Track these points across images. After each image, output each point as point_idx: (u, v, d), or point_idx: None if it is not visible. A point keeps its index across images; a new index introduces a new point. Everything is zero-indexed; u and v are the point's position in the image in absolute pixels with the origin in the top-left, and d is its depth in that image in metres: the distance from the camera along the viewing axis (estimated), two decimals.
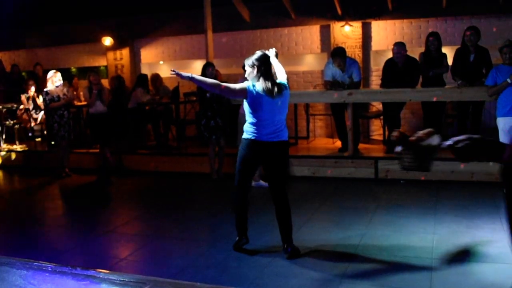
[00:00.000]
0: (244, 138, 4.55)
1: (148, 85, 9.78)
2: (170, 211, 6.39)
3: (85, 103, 9.40)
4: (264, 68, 4.46)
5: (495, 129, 6.48)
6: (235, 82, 5.25)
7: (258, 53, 4.54)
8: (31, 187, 8.51)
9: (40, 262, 1.48)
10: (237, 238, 4.79)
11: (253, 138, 4.48)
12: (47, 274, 1.54)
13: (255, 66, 4.46)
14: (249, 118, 4.52)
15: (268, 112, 4.44)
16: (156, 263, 4.61)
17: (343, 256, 4.54)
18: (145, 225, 5.91)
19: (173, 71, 4.41)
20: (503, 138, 6.37)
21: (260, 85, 4.42)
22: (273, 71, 4.63)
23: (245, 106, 4.52)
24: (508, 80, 6.22)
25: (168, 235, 5.40)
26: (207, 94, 7.53)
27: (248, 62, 4.53)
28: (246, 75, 4.60)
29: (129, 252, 5.02)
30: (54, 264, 1.42)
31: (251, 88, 4.43)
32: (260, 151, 4.51)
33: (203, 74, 7.71)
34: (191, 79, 4.47)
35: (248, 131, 4.53)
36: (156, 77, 10.04)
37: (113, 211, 6.63)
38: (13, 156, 10.09)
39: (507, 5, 8.56)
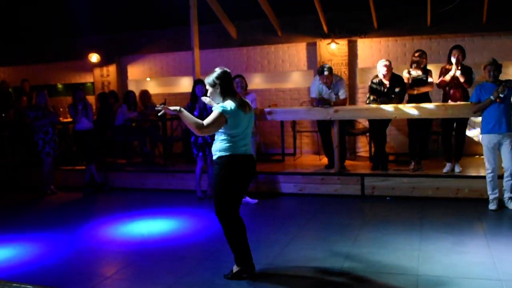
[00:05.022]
0: (222, 156, 4.27)
1: (134, 102, 9.71)
2: (155, 229, 6.35)
3: (70, 120, 9.35)
4: (226, 85, 4.29)
5: (480, 145, 6.54)
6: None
7: (218, 71, 4.32)
8: (14, 203, 8.41)
9: (19, 282, 1.46)
10: (239, 268, 4.41)
11: (229, 153, 4.25)
12: None
13: (217, 85, 4.28)
14: (222, 136, 4.30)
15: (244, 127, 4.30)
16: (142, 281, 4.56)
17: (329, 273, 4.52)
18: (130, 243, 5.85)
19: (159, 106, 4.35)
20: (487, 154, 6.45)
21: (230, 102, 4.23)
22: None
23: (223, 128, 4.27)
24: (492, 97, 6.31)
25: (154, 253, 5.35)
26: (195, 112, 7.52)
27: (209, 80, 4.32)
28: (208, 95, 4.42)
29: (114, 271, 4.96)
30: (32, 285, 1.40)
31: (226, 109, 4.19)
32: (241, 165, 4.31)
33: (193, 92, 7.72)
34: (179, 112, 4.23)
35: (223, 148, 4.29)
36: (145, 94, 10.01)
37: (98, 228, 6.55)
38: None
39: (491, 24, 8.71)
